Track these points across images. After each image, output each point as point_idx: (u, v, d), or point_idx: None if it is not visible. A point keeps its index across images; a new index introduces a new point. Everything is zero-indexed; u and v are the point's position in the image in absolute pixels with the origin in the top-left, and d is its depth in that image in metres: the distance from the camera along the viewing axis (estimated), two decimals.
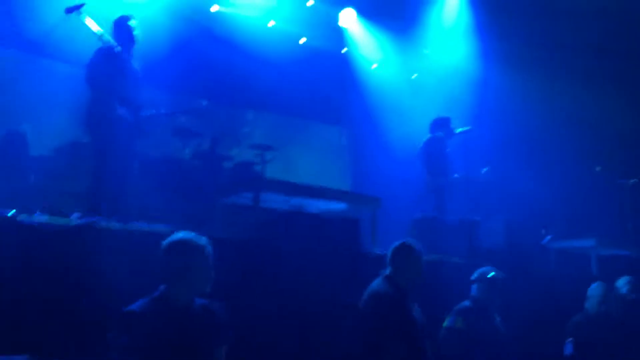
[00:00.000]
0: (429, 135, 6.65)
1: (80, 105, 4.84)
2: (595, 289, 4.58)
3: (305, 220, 4.80)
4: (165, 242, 2.76)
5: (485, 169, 6.40)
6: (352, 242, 4.82)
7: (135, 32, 4.89)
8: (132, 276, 3.23)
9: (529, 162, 7.86)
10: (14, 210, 3.40)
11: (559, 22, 7.56)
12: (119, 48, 4.67)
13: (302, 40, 8.73)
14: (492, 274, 4.12)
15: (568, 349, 4.36)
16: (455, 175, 6.52)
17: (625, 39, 7.46)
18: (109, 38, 4.59)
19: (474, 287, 4.13)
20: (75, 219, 3.91)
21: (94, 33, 4.51)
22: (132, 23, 4.89)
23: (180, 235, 2.79)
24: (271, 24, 8.33)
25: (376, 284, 3.63)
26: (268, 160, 7.35)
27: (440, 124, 6.64)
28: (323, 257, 4.30)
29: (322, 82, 8.70)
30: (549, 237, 6.31)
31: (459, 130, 6.51)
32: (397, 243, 3.74)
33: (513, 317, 4.38)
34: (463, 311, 4.01)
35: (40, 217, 3.63)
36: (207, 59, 7.63)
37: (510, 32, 7.72)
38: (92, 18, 4.44)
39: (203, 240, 2.79)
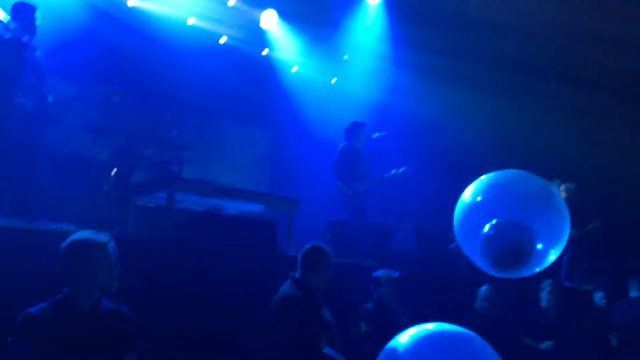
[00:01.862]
0: (342, 144, 6.77)
1: None
2: (481, 291, 5.21)
3: (222, 221, 4.77)
4: (64, 243, 2.67)
5: (401, 169, 6.56)
6: (269, 244, 4.84)
7: (38, 23, 4.67)
8: (37, 278, 3.09)
9: (441, 169, 8.19)
10: None
11: (474, 34, 7.91)
12: (21, 35, 4.43)
13: (223, 40, 8.66)
14: (383, 273, 4.29)
15: None
16: (367, 182, 6.66)
17: (535, 54, 7.93)
18: (6, 21, 4.35)
19: (374, 289, 4.28)
20: None
21: None
22: (36, 14, 4.67)
23: (79, 234, 2.67)
24: (191, 21, 8.21)
25: (285, 287, 3.66)
26: (186, 161, 7.24)
27: (355, 129, 6.76)
28: (240, 258, 4.30)
29: (242, 83, 8.66)
30: (456, 243, 6.59)
31: (375, 135, 6.66)
32: (307, 246, 3.78)
33: (424, 314, 4.54)
34: (366, 314, 4.14)
35: None
36: (125, 55, 7.40)
37: (425, 41, 8.01)
38: None
39: (103, 237, 2.68)
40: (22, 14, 4.59)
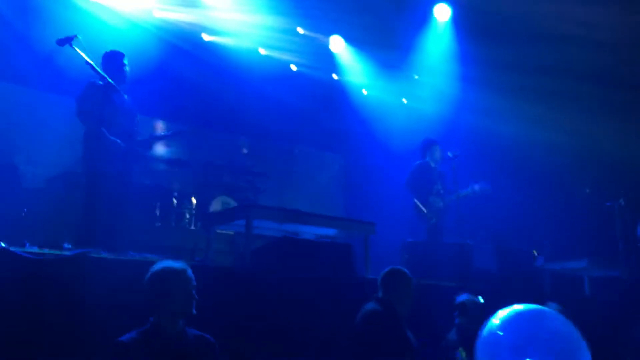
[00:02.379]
0: (417, 161, 6.71)
1: (73, 136, 4.89)
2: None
3: (299, 246, 4.81)
4: (147, 273, 2.79)
5: (478, 186, 6.41)
6: (346, 267, 4.83)
7: (126, 69, 4.98)
8: (127, 307, 3.21)
9: (518, 186, 7.93)
10: (3, 243, 3.38)
11: (547, 47, 7.68)
12: (109, 79, 4.71)
13: (293, 67, 8.84)
14: (469, 301, 4.13)
15: None
16: (443, 199, 6.54)
17: (614, 66, 7.59)
18: (99, 70, 4.64)
19: (457, 316, 4.14)
20: (66, 250, 3.90)
21: (85, 63, 4.56)
22: (124, 60, 4.98)
23: (158, 263, 2.85)
24: (262, 51, 8.44)
25: (369, 305, 3.69)
26: (261, 187, 7.40)
27: (428, 146, 6.68)
28: (317, 281, 4.30)
29: (313, 108, 8.80)
30: (541, 260, 6.33)
31: (450, 154, 6.55)
32: (386, 269, 3.81)
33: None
34: (451, 347, 4.01)
35: (30, 249, 3.62)
36: (199, 88, 7.71)
37: (495, 55, 7.84)
38: (84, 50, 4.49)
39: (180, 265, 2.84)
40: (112, 62, 4.92)
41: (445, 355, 3.99)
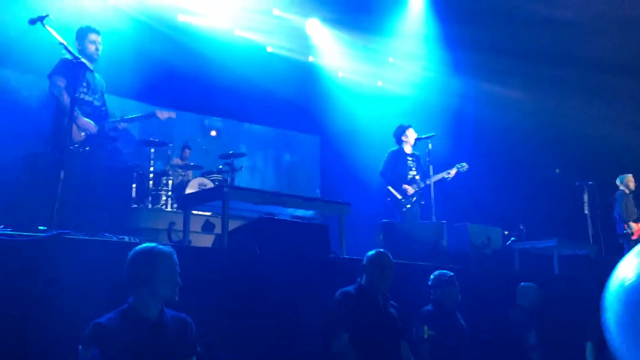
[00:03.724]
0: (391, 148, 6.79)
1: (44, 116, 4.84)
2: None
3: (275, 227, 4.84)
4: (130, 253, 2.79)
5: (459, 165, 6.52)
6: (321, 247, 4.88)
7: (98, 47, 4.92)
8: (103, 288, 3.22)
9: (492, 167, 8.06)
10: None
11: (519, 31, 7.77)
12: (82, 59, 4.66)
13: (269, 49, 8.81)
14: (443, 275, 4.25)
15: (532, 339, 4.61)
16: (421, 182, 6.63)
17: (587, 49, 7.72)
18: (71, 49, 4.59)
19: (432, 291, 4.25)
20: (40, 231, 3.87)
21: (58, 43, 4.49)
22: (96, 37, 4.92)
23: (144, 245, 2.82)
24: (237, 32, 8.39)
25: (347, 287, 3.80)
26: (237, 169, 7.40)
27: (402, 132, 6.77)
28: (293, 261, 4.35)
29: (290, 91, 8.78)
30: (512, 239, 6.48)
31: (423, 135, 6.63)
32: (371, 252, 3.90)
33: (479, 315, 4.50)
34: (427, 317, 4.13)
35: (4, 230, 3.59)
36: (174, 68, 7.64)
37: (471, 40, 7.93)
38: (55, 29, 4.42)
39: (167, 248, 2.82)
40: (83, 38, 4.86)
41: (420, 326, 4.10)
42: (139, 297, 2.73)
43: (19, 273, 3.33)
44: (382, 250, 3.94)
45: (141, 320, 2.70)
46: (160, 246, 2.83)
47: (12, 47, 6.21)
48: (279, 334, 3.95)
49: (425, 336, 4.02)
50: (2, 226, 3.83)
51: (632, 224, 7.42)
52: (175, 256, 2.81)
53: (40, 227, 4.00)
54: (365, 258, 3.89)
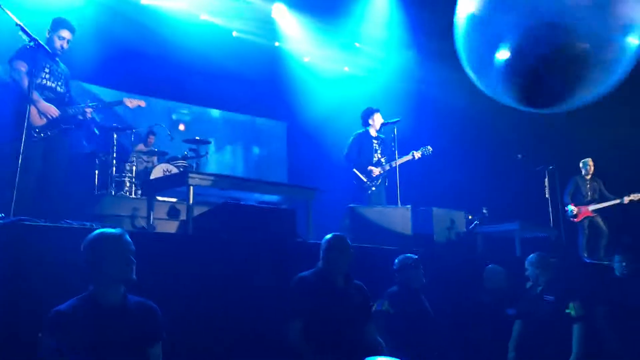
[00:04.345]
0: (356, 131, 6.83)
1: (2, 102, 4.72)
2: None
3: (241, 212, 4.83)
4: (83, 241, 2.75)
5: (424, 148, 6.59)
6: (288, 232, 4.89)
7: (64, 46, 4.83)
8: (65, 275, 3.17)
9: (455, 151, 8.18)
10: None
11: None
12: (42, 43, 4.55)
13: (235, 34, 8.72)
14: (408, 259, 4.32)
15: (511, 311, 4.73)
16: (386, 164, 6.69)
17: None
18: (29, 32, 4.47)
19: (397, 274, 4.32)
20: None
21: (15, 25, 4.38)
22: (67, 36, 4.83)
23: (94, 232, 2.78)
24: (203, 17, 8.28)
25: (304, 272, 3.80)
26: (203, 155, 7.34)
27: (369, 115, 6.82)
28: (260, 247, 4.35)
29: (256, 76, 8.73)
30: (475, 223, 6.60)
31: (389, 121, 6.69)
32: (326, 236, 3.88)
33: (443, 298, 4.59)
34: (390, 295, 4.21)
35: None
36: (137, 52, 7.50)
37: (436, 24, 7.97)
38: (13, 12, 4.30)
39: (116, 230, 2.80)
40: (53, 29, 4.80)
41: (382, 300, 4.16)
42: (97, 284, 2.70)
43: None
44: (338, 233, 3.93)
45: (102, 307, 2.66)
46: (109, 230, 2.79)
47: None
48: (245, 319, 3.96)
49: (383, 309, 4.09)
50: None
51: (571, 206, 7.50)
52: (125, 236, 2.78)
53: None
54: (322, 242, 3.88)
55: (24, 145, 4.22)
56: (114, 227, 2.88)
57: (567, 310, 4.37)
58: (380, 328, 3.99)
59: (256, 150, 9.45)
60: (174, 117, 8.60)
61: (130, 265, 2.75)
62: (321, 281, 3.73)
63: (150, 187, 5.62)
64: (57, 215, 4.27)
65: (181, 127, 8.24)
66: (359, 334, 3.74)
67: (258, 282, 4.11)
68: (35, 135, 4.60)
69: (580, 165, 7.76)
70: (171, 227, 5.72)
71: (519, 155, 6.60)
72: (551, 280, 4.56)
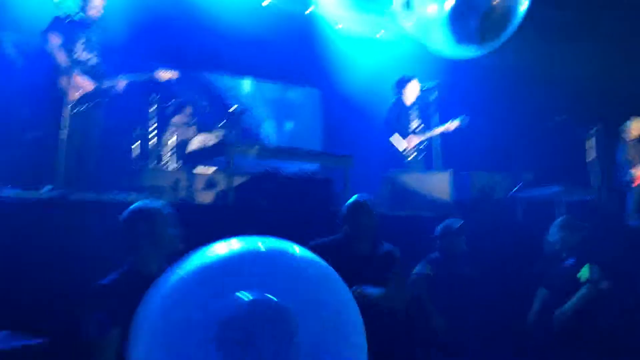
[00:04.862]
0: (393, 99, 6.72)
1: (35, 75, 4.78)
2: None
3: (279, 182, 4.86)
4: (123, 213, 2.79)
5: (460, 118, 6.46)
6: (325, 201, 4.90)
7: (99, 12, 4.84)
8: (109, 248, 3.24)
9: (494, 115, 7.99)
10: None
11: None
12: (80, 15, 4.58)
13: (266, 2, 8.62)
14: (451, 226, 4.26)
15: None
16: (424, 132, 6.60)
17: None
18: (68, 5, 4.52)
19: (439, 241, 4.28)
20: (46, 191, 3.90)
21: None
22: (99, 3, 4.83)
23: (134, 204, 2.81)
24: None
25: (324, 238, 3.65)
26: (240, 125, 7.34)
27: (404, 83, 6.68)
28: (297, 216, 4.37)
29: (288, 44, 8.65)
30: (516, 187, 6.46)
31: (424, 86, 6.57)
32: (352, 199, 3.73)
33: (485, 265, 4.54)
34: (431, 261, 4.19)
35: (10, 191, 3.61)
36: (168, 24, 7.48)
37: None
38: None
39: (158, 203, 2.83)
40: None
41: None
42: (138, 255, 2.75)
43: (25, 235, 3.36)
44: (359, 197, 3.71)
45: (142, 278, 2.71)
46: (150, 202, 2.83)
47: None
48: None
49: (425, 272, 4.04)
50: (9, 186, 3.85)
51: (633, 171, 7.38)
52: (165, 210, 2.80)
53: (46, 188, 4.02)
54: (343, 208, 3.71)
55: (57, 118, 4.30)
56: (154, 200, 2.91)
57: (579, 274, 4.20)
58: (422, 291, 4.00)
59: (291, 118, 9.43)
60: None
61: (171, 239, 2.78)
62: (342, 248, 3.51)
63: (189, 159, 5.69)
64: (99, 188, 4.37)
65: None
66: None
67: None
68: (71, 109, 4.66)
69: (624, 128, 7.58)
70: (211, 197, 5.79)
71: (560, 117, 6.40)
72: (578, 244, 4.40)
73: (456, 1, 3.36)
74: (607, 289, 4.23)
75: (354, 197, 3.73)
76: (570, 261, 4.34)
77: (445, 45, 4.03)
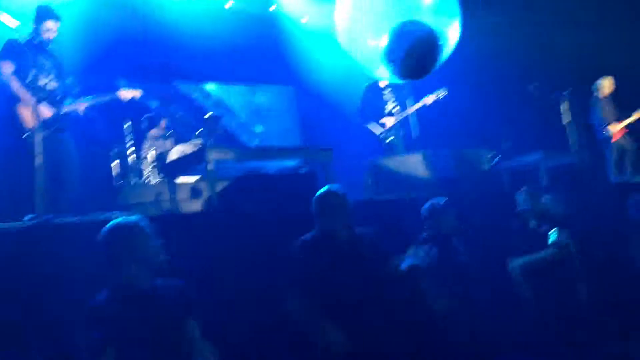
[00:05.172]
0: (366, 83, 6.73)
1: None
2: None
3: (262, 181, 4.83)
4: (100, 235, 2.78)
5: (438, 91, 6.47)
6: (311, 196, 4.88)
7: (50, 37, 4.71)
8: (97, 268, 3.21)
9: (469, 89, 8.01)
10: None
11: None
12: (30, 38, 4.48)
13: (229, 5, 8.58)
14: (436, 204, 4.25)
15: None
16: (400, 113, 6.61)
17: None
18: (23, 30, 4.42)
19: (427, 222, 4.26)
20: (28, 220, 3.84)
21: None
22: (53, 27, 4.70)
23: (110, 223, 2.81)
24: None
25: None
26: (217, 130, 7.30)
27: None
28: (285, 214, 4.34)
29: (256, 45, 8.62)
30: (497, 159, 6.50)
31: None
32: (319, 192, 3.71)
33: (476, 240, 4.55)
34: (421, 244, 4.14)
35: None
36: (131, 39, 7.40)
37: None
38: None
39: (134, 218, 2.83)
40: (40, 20, 4.66)
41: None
42: (124, 272, 2.75)
43: (13, 262, 3.32)
44: (326, 188, 3.68)
45: (130, 294, 2.73)
46: (125, 219, 2.82)
47: None
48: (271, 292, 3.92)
49: (420, 257, 3.99)
50: None
51: (610, 128, 7.54)
52: (143, 222, 2.81)
53: (27, 217, 3.96)
54: (312, 201, 3.66)
55: (20, 148, 4.20)
56: (131, 216, 2.90)
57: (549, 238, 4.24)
58: (420, 280, 3.96)
59: (267, 118, 9.39)
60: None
61: (156, 250, 2.79)
62: (320, 243, 3.49)
63: (169, 170, 5.64)
64: (81, 211, 4.31)
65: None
66: (367, 286, 3.43)
67: (287, 250, 4.09)
68: (27, 137, 4.50)
69: (595, 87, 7.71)
70: (196, 206, 5.75)
71: (533, 85, 6.45)
72: (544, 211, 4.45)
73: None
74: (576, 252, 4.29)
75: (321, 190, 3.69)
76: (541, 228, 4.39)
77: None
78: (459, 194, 5.29)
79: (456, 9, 4.26)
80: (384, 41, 3.94)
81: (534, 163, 6.16)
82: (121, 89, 5.12)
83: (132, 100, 5.19)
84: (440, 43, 3.75)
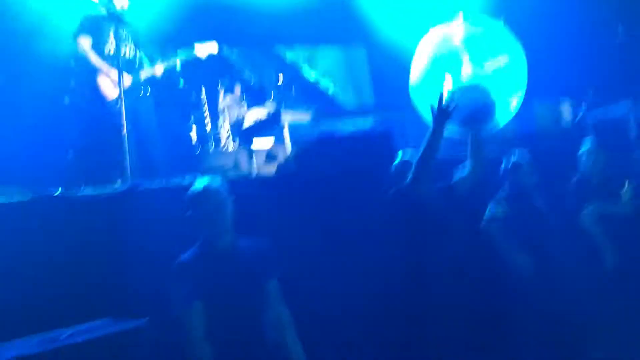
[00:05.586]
0: None
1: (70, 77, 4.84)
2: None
3: (337, 143, 4.83)
4: (186, 196, 2.93)
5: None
6: (387, 156, 4.84)
7: (124, 4, 4.83)
8: (182, 229, 3.34)
9: (550, 38, 7.56)
10: (60, 189, 3.54)
11: None
12: (105, 10, 4.63)
13: None
14: (519, 159, 4.12)
15: None
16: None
17: None
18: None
19: (505, 176, 4.14)
20: (118, 185, 4.04)
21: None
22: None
23: (195, 185, 2.96)
24: None
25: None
26: (289, 93, 7.32)
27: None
28: (360, 176, 4.34)
29: (324, 5, 8.49)
30: (582, 111, 6.15)
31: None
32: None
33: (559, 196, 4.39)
34: (502, 199, 4.05)
35: (86, 191, 3.77)
36: (206, 4, 7.43)
37: None
38: None
39: (217, 180, 2.97)
40: None
41: None
42: (210, 231, 2.86)
43: (106, 229, 3.52)
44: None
45: (214, 252, 2.86)
46: (211, 181, 2.96)
47: None
48: (356, 247, 3.96)
49: (497, 216, 3.93)
50: (82, 187, 4.02)
51: None
52: (225, 185, 2.95)
53: (117, 182, 4.17)
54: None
55: (106, 117, 4.37)
56: (212, 178, 3.03)
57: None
58: (495, 234, 3.90)
59: (339, 79, 9.31)
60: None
61: (232, 211, 2.90)
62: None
63: (246, 136, 5.74)
64: (166, 175, 4.49)
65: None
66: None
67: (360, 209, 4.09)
68: (110, 105, 4.71)
69: None
70: (273, 169, 5.84)
71: (619, 28, 5.99)
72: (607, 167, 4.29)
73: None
74: None
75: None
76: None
77: None
78: (541, 149, 5.09)
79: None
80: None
81: (622, 114, 5.79)
82: (195, 45, 5.16)
83: (209, 57, 5.25)
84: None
